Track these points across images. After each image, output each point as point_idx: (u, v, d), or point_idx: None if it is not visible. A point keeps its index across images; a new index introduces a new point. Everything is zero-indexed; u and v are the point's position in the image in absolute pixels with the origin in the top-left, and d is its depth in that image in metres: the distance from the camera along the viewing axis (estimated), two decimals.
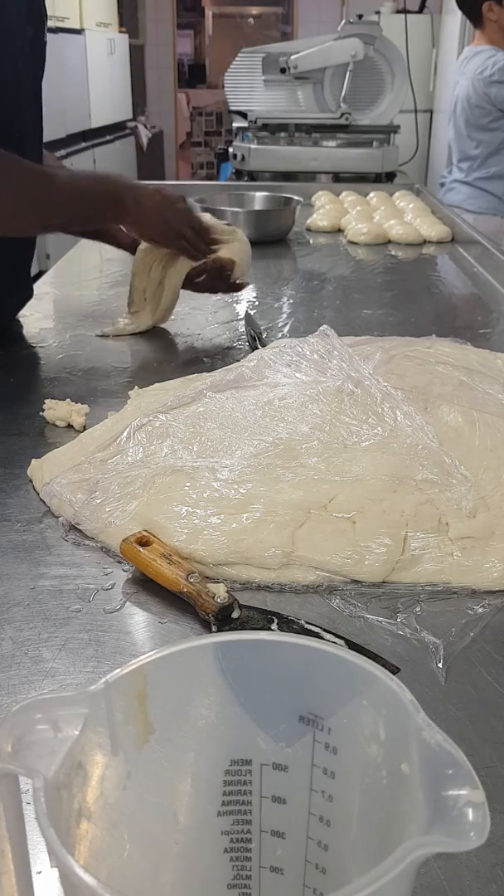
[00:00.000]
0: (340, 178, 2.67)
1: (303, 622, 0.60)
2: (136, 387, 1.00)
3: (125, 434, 0.81)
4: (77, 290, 1.56)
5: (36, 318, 1.33)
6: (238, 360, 1.06)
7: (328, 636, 0.59)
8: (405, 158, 3.01)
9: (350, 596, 0.65)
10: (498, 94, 2.52)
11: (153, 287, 1.25)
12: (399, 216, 2.03)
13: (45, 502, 0.77)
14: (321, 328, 1.01)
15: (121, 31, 5.89)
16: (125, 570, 0.68)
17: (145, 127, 6.30)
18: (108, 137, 5.41)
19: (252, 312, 1.34)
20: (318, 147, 2.72)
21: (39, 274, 1.74)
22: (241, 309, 1.40)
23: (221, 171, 4.04)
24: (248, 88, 2.94)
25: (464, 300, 1.54)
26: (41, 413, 0.95)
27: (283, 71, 2.77)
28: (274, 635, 0.34)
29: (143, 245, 1.22)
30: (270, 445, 0.77)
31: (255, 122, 2.71)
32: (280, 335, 1.24)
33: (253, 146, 2.69)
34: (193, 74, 8.67)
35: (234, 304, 1.44)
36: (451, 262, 1.78)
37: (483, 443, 0.78)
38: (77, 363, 1.14)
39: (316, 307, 1.43)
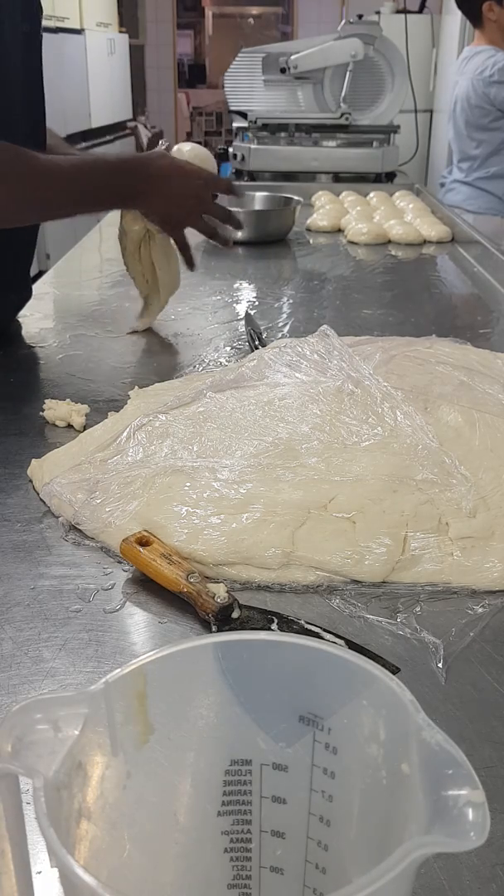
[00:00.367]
0: (340, 178, 2.67)
1: (303, 622, 0.60)
2: (136, 387, 1.00)
3: (125, 434, 0.81)
4: (77, 290, 1.56)
5: (36, 318, 1.33)
6: (238, 360, 1.06)
7: (328, 636, 0.59)
8: (405, 158, 3.01)
9: (350, 596, 0.65)
10: (498, 95, 2.52)
11: (149, 268, 1.25)
12: (399, 216, 2.03)
13: (45, 502, 0.77)
14: (321, 328, 1.01)
15: (121, 31, 5.89)
16: (125, 570, 0.68)
17: (145, 127, 6.29)
18: (108, 137, 5.41)
19: (252, 312, 1.34)
20: (318, 147, 2.72)
21: (39, 274, 1.74)
22: (241, 309, 1.40)
23: (221, 171, 4.03)
24: (248, 88, 2.95)
25: (464, 300, 1.54)
26: (41, 413, 0.95)
27: (283, 71, 2.77)
28: (274, 635, 0.34)
29: (119, 232, 1.21)
30: (270, 445, 0.77)
31: (255, 122, 2.71)
32: (280, 335, 1.24)
33: (253, 146, 2.69)
34: (193, 74, 8.67)
35: (234, 305, 1.44)
36: (451, 262, 1.78)
37: (483, 443, 0.78)
38: (77, 363, 1.14)
39: (316, 307, 1.43)
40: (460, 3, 2.66)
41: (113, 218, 1.50)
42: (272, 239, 1.89)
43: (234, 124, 3.03)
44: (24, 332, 1.27)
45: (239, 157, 2.72)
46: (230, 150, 2.82)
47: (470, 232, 1.86)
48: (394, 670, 0.56)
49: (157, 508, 0.70)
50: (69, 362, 1.14)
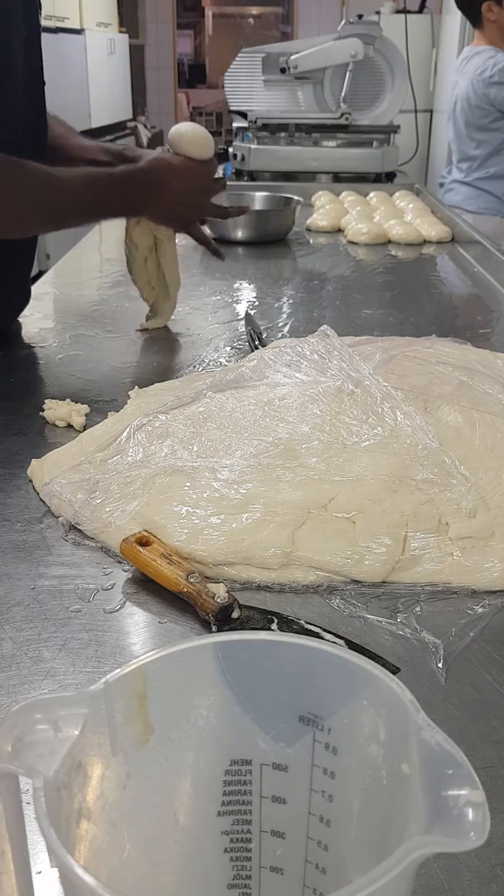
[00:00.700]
0: (340, 178, 2.67)
1: (303, 622, 0.60)
2: (136, 387, 1.00)
3: (125, 434, 0.81)
4: (77, 290, 1.56)
5: (36, 318, 1.33)
6: (238, 360, 1.06)
7: (328, 636, 0.59)
8: (405, 158, 3.01)
9: (350, 596, 0.65)
10: (497, 95, 2.52)
11: (156, 274, 1.26)
12: (399, 216, 2.03)
13: (45, 502, 0.77)
14: (321, 328, 1.01)
15: (121, 31, 5.89)
16: (125, 570, 0.68)
17: (145, 127, 6.30)
18: (108, 137, 5.40)
19: (252, 312, 1.34)
20: (318, 147, 2.72)
21: (39, 274, 1.74)
22: (241, 309, 1.40)
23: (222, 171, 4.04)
24: (248, 88, 2.95)
25: (464, 300, 1.54)
26: (41, 413, 0.95)
27: (283, 71, 2.77)
28: (274, 635, 0.34)
29: (128, 240, 1.22)
30: (270, 445, 0.77)
31: (255, 122, 2.71)
32: (280, 335, 1.24)
33: (253, 146, 2.69)
34: (193, 74, 8.67)
35: (234, 305, 1.44)
36: (451, 262, 1.78)
37: (483, 443, 0.78)
38: (77, 363, 1.14)
39: (316, 307, 1.43)
40: (460, 3, 2.66)
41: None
42: (272, 239, 1.89)
43: (234, 124, 3.03)
44: (24, 332, 1.27)
45: (239, 157, 2.72)
46: (230, 150, 2.82)
47: (470, 232, 1.86)
48: (394, 670, 0.56)
49: (157, 508, 0.70)
50: (69, 362, 1.14)
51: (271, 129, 2.73)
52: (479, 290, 1.56)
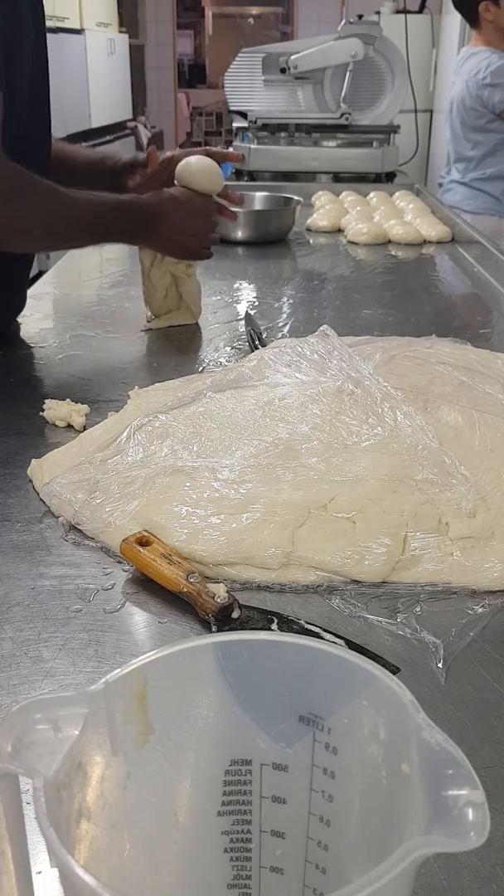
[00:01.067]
0: (340, 178, 2.67)
1: (303, 622, 0.60)
2: (136, 387, 1.00)
3: (125, 434, 0.81)
4: (77, 290, 1.56)
5: (36, 318, 1.33)
6: (238, 360, 1.06)
7: (328, 636, 0.59)
8: (405, 158, 3.01)
9: (350, 596, 0.65)
10: (490, 98, 2.53)
11: (176, 303, 1.29)
12: (399, 216, 2.03)
13: (45, 502, 0.77)
14: (321, 328, 1.01)
15: (121, 31, 5.89)
16: (125, 570, 0.68)
17: (145, 127, 6.30)
18: (108, 137, 5.41)
19: (252, 312, 1.34)
20: (318, 147, 2.72)
21: (39, 274, 1.74)
22: (241, 309, 1.40)
23: (221, 170, 4.04)
24: (248, 88, 2.95)
25: (464, 300, 1.54)
26: (41, 413, 0.95)
27: (283, 71, 2.77)
28: (274, 635, 0.34)
29: (145, 281, 1.26)
30: (270, 445, 0.77)
31: (255, 122, 2.71)
32: (280, 335, 1.24)
33: (253, 146, 2.69)
34: (193, 74, 8.67)
35: (235, 305, 1.44)
36: (451, 262, 1.78)
37: (483, 443, 0.78)
38: (77, 363, 1.14)
39: (316, 307, 1.43)
40: (457, 4, 2.66)
41: None
42: (272, 239, 1.89)
43: (234, 124, 3.03)
44: (24, 333, 1.27)
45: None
46: (230, 150, 2.82)
47: (470, 232, 1.86)
48: (394, 670, 0.56)
49: (157, 508, 0.70)
50: (69, 362, 1.14)
51: (271, 129, 2.73)
52: (479, 290, 1.56)
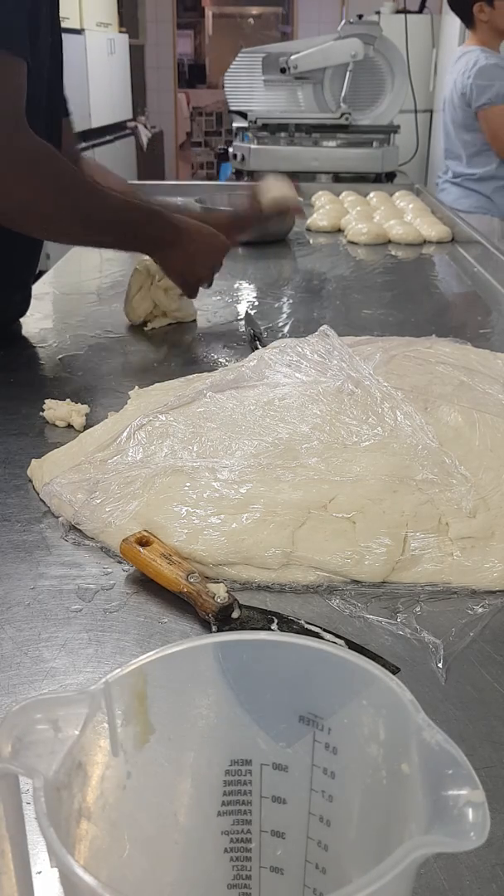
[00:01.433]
0: (340, 178, 2.67)
1: (303, 622, 0.60)
2: (136, 387, 1.00)
3: (125, 434, 0.81)
4: (77, 290, 1.56)
5: (36, 318, 1.33)
6: (238, 360, 1.06)
7: (328, 636, 0.59)
8: (405, 158, 3.01)
9: (350, 596, 0.65)
10: (471, 96, 2.54)
11: (155, 310, 1.30)
12: (399, 216, 2.03)
13: (45, 502, 0.77)
14: (321, 328, 1.01)
15: (121, 31, 5.89)
16: (125, 570, 0.68)
17: (145, 127, 6.30)
18: (108, 137, 5.41)
19: (252, 312, 1.34)
20: (318, 147, 2.72)
21: (39, 274, 1.74)
22: (241, 309, 1.40)
23: (221, 171, 4.04)
24: (248, 88, 2.94)
25: (464, 300, 1.54)
26: (41, 413, 0.95)
27: (283, 71, 2.77)
28: (274, 635, 0.34)
29: (131, 290, 1.28)
30: (270, 445, 0.77)
31: (255, 122, 2.71)
32: (280, 335, 1.24)
33: (253, 146, 2.69)
34: (193, 74, 8.66)
35: (235, 305, 1.44)
36: (451, 262, 1.78)
37: (483, 443, 0.78)
38: (77, 363, 1.14)
39: (316, 307, 1.43)
40: (453, 4, 2.67)
41: None
42: (272, 239, 1.89)
43: (234, 124, 3.03)
44: (24, 332, 1.27)
45: (239, 157, 2.72)
46: (230, 150, 2.83)
47: (470, 232, 1.86)
48: (394, 670, 0.56)
49: (157, 508, 0.70)
50: (69, 362, 1.14)
51: (271, 129, 2.73)
52: (479, 290, 1.56)
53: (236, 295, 1.50)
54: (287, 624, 0.60)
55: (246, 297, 1.49)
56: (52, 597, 0.64)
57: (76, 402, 0.96)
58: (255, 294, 1.50)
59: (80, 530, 0.72)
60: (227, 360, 1.14)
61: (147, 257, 1.24)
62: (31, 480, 0.81)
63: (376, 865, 0.24)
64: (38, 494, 0.79)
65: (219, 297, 1.47)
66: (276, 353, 0.97)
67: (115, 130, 5.64)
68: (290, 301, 1.46)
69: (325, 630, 0.59)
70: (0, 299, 1.21)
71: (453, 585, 0.66)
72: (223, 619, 0.60)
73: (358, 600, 0.64)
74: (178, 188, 2.44)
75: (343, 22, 2.88)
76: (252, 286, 1.56)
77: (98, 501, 0.72)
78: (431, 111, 4.18)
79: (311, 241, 1.94)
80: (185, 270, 1.21)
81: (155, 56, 7.15)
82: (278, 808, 0.35)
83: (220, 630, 0.59)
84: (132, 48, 6.18)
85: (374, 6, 4.07)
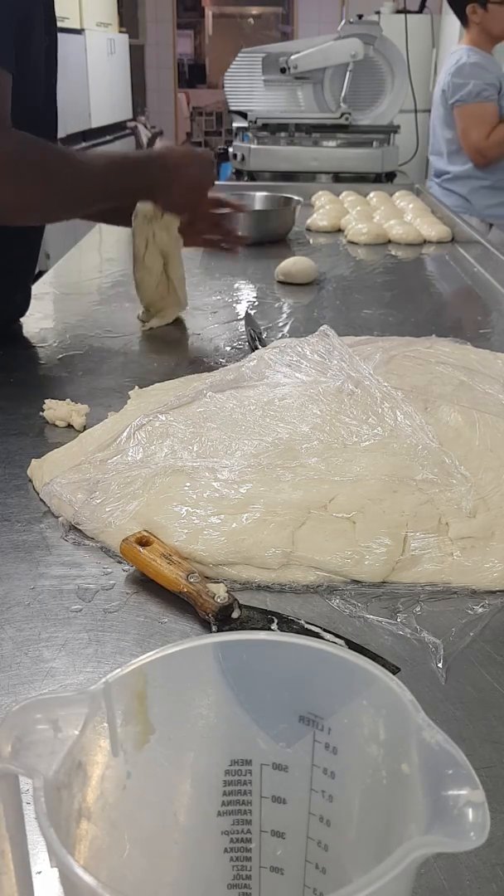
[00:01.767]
0: (340, 178, 2.67)
1: (303, 622, 0.60)
2: (136, 387, 1.00)
3: (125, 434, 0.81)
4: (77, 290, 1.56)
5: (36, 318, 1.33)
6: (238, 360, 1.06)
7: (328, 636, 0.59)
8: (405, 158, 3.01)
9: (350, 596, 0.65)
10: (449, 91, 2.57)
11: (163, 279, 1.28)
12: (399, 216, 2.03)
13: (45, 502, 0.77)
14: (321, 328, 1.01)
15: (121, 31, 5.89)
16: (125, 570, 0.68)
17: (145, 127, 6.30)
18: (108, 137, 5.41)
19: (252, 312, 1.34)
20: (318, 147, 2.72)
21: (39, 274, 1.74)
22: (241, 309, 1.40)
23: (221, 171, 4.04)
24: (248, 88, 2.94)
25: (464, 300, 1.54)
26: (41, 413, 0.95)
27: (283, 71, 2.77)
28: (274, 635, 0.34)
29: (139, 249, 1.24)
30: (270, 445, 0.77)
31: (255, 122, 2.71)
32: (280, 335, 1.24)
33: (253, 146, 2.69)
34: (193, 74, 8.67)
35: (235, 304, 1.44)
36: (451, 262, 1.78)
37: (483, 443, 0.78)
38: (77, 363, 1.14)
39: (316, 307, 1.43)
40: (451, 3, 2.68)
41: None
42: (272, 239, 1.89)
43: (234, 124, 3.03)
44: (24, 332, 1.27)
45: (239, 157, 2.72)
46: (230, 150, 2.82)
47: (470, 232, 1.86)
48: (394, 670, 0.56)
49: (157, 508, 0.70)
50: (69, 362, 1.14)
51: (271, 129, 2.73)
52: (480, 290, 1.56)
53: (236, 295, 1.50)
54: (287, 624, 0.60)
55: (246, 297, 1.49)
56: (52, 597, 0.64)
57: (76, 402, 0.96)
58: (255, 294, 1.50)
59: (80, 530, 0.72)
60: (227, 360, 1.14)
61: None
62: (31, 480, 0.81)
63: (376, 865, 0.24)
64: (38, 494, 0.79)
65: (219, 297, 1.47)
66: (276, 353, 0.97)
67: (115, 130, 5.64)
68: (290, 301, 1.46)
69: (325, 630, 0.59)
70: (0, 299, 1.21)
71: (453, 585, 0.66)
72: (223, 619, 0.60)
73: (358, 600, 0.64)
74: None
75: (343, 22, 2.88)
76: (252, 286, 1.56)
77: (98, 501, 0.72)
78: (431, 111, 4.18)
79: (311, 241, 1.94)
80: (184, 201, 1.22)
81: (155, 56, 7.16)
82: (278, 808, 0.35)
83: (220, 630, 0.59)
84: (132, 48, 6.19)
85: (374, 6, 4.07)
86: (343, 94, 2.75)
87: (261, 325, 1.27)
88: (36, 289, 1.49)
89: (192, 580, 0.62)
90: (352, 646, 0.58)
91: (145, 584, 0.65)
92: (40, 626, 0.61)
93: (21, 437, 0.91)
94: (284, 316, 1.37)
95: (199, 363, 1.13)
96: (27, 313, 1.32)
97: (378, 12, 4.00)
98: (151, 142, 5.93)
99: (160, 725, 0.33)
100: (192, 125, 7.92)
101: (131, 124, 6.12)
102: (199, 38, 8.91)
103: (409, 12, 3.87)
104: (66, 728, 0.30)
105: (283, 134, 2.73)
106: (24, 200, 1.01)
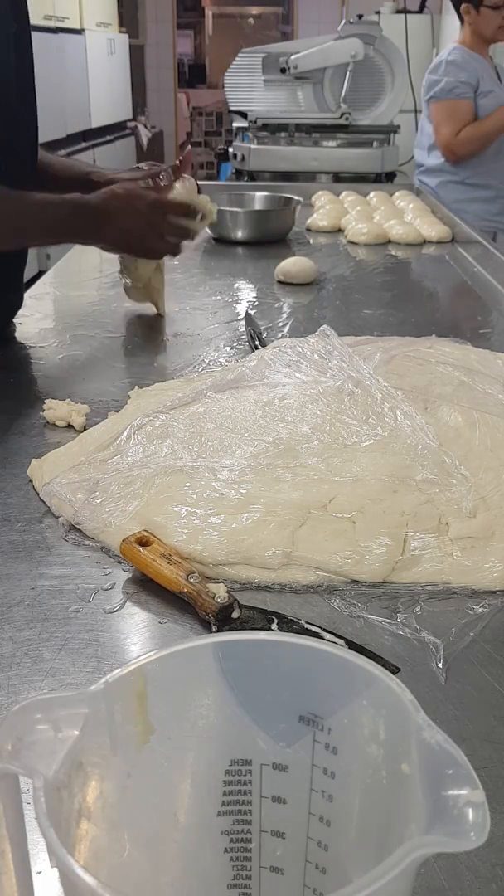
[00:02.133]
0: (340, 178, 2.66)
1: (303, 622, 0.60)
2: (136, 387, 1.00)
3: (125, 434, 0.82)
4: (77, 290, 1.56)
5: (36, 318, 1.33)
6: (238, 360, 1.06)
7: (328, 636, 0.59)
8: (405, 158, 3.01)
9: (350, 596, 0.65)
10: (425, 86, 2.58)
11: (147, 283, 1.30)
12: (399, 216, 2.03)
13: (45, 502, 0.77)
14: (321, 328, 1.01)
15: (121, 31, 5.90)
16: (125, 570, 0.68)
17: (145, 127, 6.31)
18: (108, 137, 5.41)
19: (252, 312, 1.34)
20: (318, 147, 2.72)
21: (39, 274, 1.74)
22: (241, 309, 1.40)
23: (221, 171, 4.04)
24: (248, 88, 2.94)
25: (464, 300, 1.54)
26: (41, 413, 0.95)
27: (283, 71, 2.77)
28: (274, 635, 0.34)
29: (125, 272, 1.28)
30: (270, 445, 0.77)
31: (255, 122, 2.71)
32: (280, 335, 1.24)
33: (253, 146, 2.69)
34: (193, 74, 8.66)
35: (235, 304, 1.44)
36: (451, 262, 1.78)
37: (483, 443, 0.78)
38: (77, 363, 1.14)
39: (316, 307, 1.43)
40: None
41: None
42: (272, 239, 1.89)
43: (234, 124, 3.03)
44: (23, 333, 1.27)
45: (239, 157, 2.72)
46: (230, 150, 2.82)
47: (470, 232, 1.86)
48: (394, 670, 0.56)
49: (157, 508, 0.70)
50: (69, 362, 1.14)
51: (271, 129, 2.73)
52: (479, 290, 1.56)
53: (236, 295, 1.50)
54: (287, 624, 0.60)
55: (246, 297, 1.49)
56: (52, 597, 0.64)
57: (76, 402, 0.96)
58: (255, 294, 1.50)
59: (80, 530, 0.72)
60: (227, 360, 1.14)
61: None
62: (31, 480, 0.81)
63: (376, 865, 0.24)
64: (38, 494, 0.79)
65: (219, 297, 1.47)
66: (276, 353, 0.97)
67: (115, 130, 5.65)
68: (290, 301, 1.46)
69: (325, 630, 0.59)
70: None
71: (453, 585, 0.66)
72: (223, 619, 0.60)
73: (358, 600, 0.64)
74: None
75: (343, 22, 2.88)
76: (252, 286, 1.56)
77: (98, 501, 0.72)
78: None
79: (311, 241, 1.94)
80: (126, 246, 1.20)
81: (155, 56, 7.15)
82: (278, 808, 0.35)
83: (220, 630, 0.59)
84: (132, 48, 6.19)
85: (374, 6, 4.07)
86: (343, 94, 2.75)
87: (261, 325, 1.27)
88: (36, 289, 1.49)
89: (192, 580, 0.62)
90: (352, 646, 0.58)
91: (145, 584, 0.65)
92: (40, 626, 0.61)
93: (21, 437, 0.91)
94: (284, 316, 1.37)
95: (199, 363, 1.13)
96: (27, 313, 1.32)
97: (378, 12, 4.00)
98: (151, 142, 5.93)
99: (160, 725, 0.33)
100: (192, 125, 7.92)
101: (131, 124, 6.12)
102: (199, 38, 8.91)
103: (409, 12, 3.88)
104: (66, 728, 0.30)
105: (283, 134, 2.73)
106: None
